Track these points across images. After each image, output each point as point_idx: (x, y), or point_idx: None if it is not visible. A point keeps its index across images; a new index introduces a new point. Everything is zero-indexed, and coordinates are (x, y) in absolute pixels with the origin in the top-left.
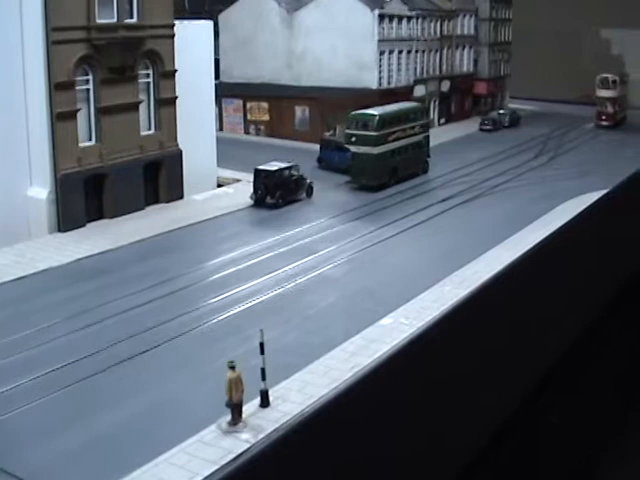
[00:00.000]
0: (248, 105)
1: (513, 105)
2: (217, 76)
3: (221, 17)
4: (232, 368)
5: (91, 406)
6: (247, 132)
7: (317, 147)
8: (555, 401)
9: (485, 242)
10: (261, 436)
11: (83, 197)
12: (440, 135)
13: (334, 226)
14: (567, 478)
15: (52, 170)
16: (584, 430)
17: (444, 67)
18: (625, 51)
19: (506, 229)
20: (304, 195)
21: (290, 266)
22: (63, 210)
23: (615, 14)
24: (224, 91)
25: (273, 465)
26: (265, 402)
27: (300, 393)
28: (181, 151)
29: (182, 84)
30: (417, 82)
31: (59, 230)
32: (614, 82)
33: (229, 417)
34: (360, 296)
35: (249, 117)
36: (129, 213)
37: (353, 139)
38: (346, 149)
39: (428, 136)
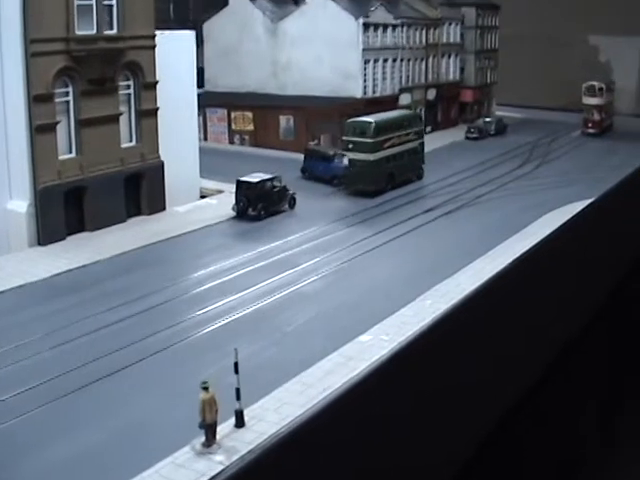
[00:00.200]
0: (233, 115)
1: (500, 112)
2: (202, 85)
3: (205, 26)
4: (205, 389)
5: (61, 428)
6: (232, 142)
7: (302, 157)
8: (543, 410)
9: (468, 253)
10: (235, 457)
11: (63, 210)
12: (426, 143)
13: (316, 238)
14: None
15: (32, 183)
16: (573, 439)
17: (430, 75)
18: (613, 58)
19: (489, 240)
20: (287, 206)
21: (270, 280)
22: (43, 223)
23: (602, 21)
24: (209, 100)
25: None
26: (240, 422)
27: (276, 413)
28: (163, 163)
29: (164, 95)
30: (403, 91)
31: (39, 243)
32: (600, 89)
33: (203, 438)
34: (340, 311)
35: (234, 127)
36: (110, 226)
37: (350, 146)
38: (330, 159)
39: (423, 143)
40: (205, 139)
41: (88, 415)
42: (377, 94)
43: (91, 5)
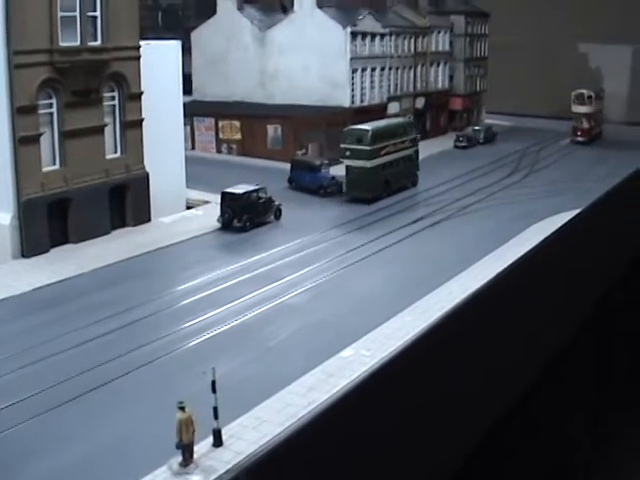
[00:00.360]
0: (220, 124)
1: (490, 120)
2: (190, 94)
3: (193, 35)
4: (182, 409)
5: (36, 448)
6: (219, 151)
7: (290, 166)
8: (535, 416)
9: (451, 268)
10: (212, 478)
11: (47, 222)
12: None
13: (301, 250)
14: None
15: (15, 195)
16: (562, 448)
17: (418, 84)
18: (603, 66)
19: (472, 254)
20: (272, 218)
21: (254, 293)
22: (27, 235)
23: (592, 29)
24: (196, 109)
25: None
26: (218, 441)
27: (255, 431)
28: (148, 174)
29: (149, 105)
30: (391, 99)
31: (23, 256)
32: (589, 97)
33: (180, 458)
34: (322, 326)
35: (221, 136)
36: (95, 237)
37: (348, 153)
38: (317, 169)
39: (417, 150)
40: (193, 148)
41: (67, 433)
42: (365, 103)
43: (75, 16)
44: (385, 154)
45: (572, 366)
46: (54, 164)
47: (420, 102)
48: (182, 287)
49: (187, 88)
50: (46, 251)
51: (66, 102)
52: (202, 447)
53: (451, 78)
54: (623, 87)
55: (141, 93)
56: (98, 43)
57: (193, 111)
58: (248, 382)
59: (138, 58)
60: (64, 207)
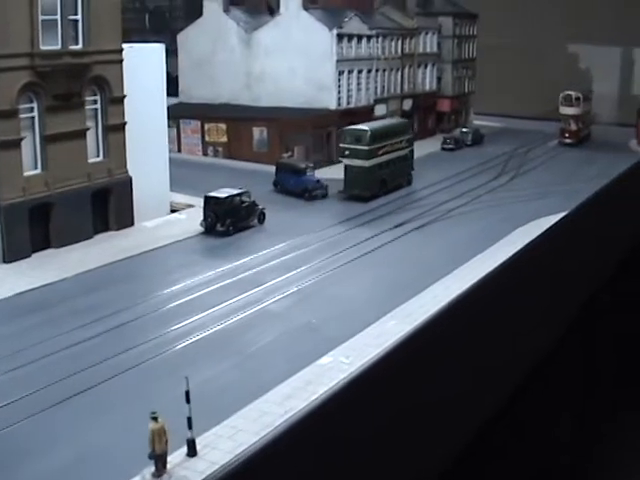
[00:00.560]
0: (206, 126)
1: (478, 122)
2: (176, 96)
3: (179, 36)
4: (154, 419)
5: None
6: (205, 154)
7: (274, 170)
8: (522, 419)
9: (435, 271)
10: None
11: (28, 227)
12: None
13: (284, 254)
14: None
15: None
16: (549, 450)
17: (406, 85)
18: (592, 67)
19: (457, 257)
20: (256, 221)
21: (235, 299)
22: (8, 240)
23: (581, 30)
24: (182, 112)
25: None
26: (192, 451)
27: (230, 440)
28: (131, 178)
29: (133, 109)
30: (378, 101)
31: (4, 261)
32: (577, 99)
33: (153, 468)
34: (303, 332)
35: (207, 138)
36: (77, 242)
37: (346, 152)
38: (302, 172)
39: (412, 150)
40: (179, 151)
41: (38, 444)
42: (352, 105)
43: (56, 20)
44: (382, 154)
45: (559, 368)
46: (35, 168)
47: (407, 104)
48: (163, 292)
49: (174, 90)
50: (28, 256)
51: (47, 106)
52: (176, 457)
53: (439, 80)
54: (613, 88)
55: (124, 97)
56: (79, 47)
57: (179, 113)
58: (226, 390)
59: (120, 61)
60: (46, 212)
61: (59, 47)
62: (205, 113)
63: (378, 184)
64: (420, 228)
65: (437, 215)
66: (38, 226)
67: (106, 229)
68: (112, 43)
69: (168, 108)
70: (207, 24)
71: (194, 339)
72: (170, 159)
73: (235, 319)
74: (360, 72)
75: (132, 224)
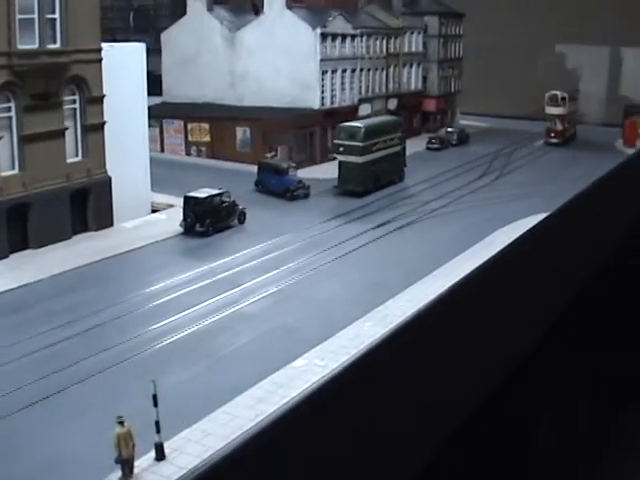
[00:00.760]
0: (189, 126)
1: (465, 121)
2: (161, 95)
3: (163, 35)
4: (121, 423)
5: None
6: (188, 153)
7: (257, 169)
8: (509, 413)
9: (415, 272)
10: None
11: (6, 227)
12: None
13: (263, 255)
14: None
15: None
16: (530, 449)
17: (391, 85)
18: (579, 67)
19: (437, 258)
20: (236, 222)
21: (211, 300)
22: None
23: (568, 30)
24: (165, 111)
25: None
26: (160, 455)
27: (199, 444)
28: (110, 178)
29: (112, 108)
30: (362, 101)
31: None
32: (563, 99)
33: (120, 473)
34: (278, 334)
35: (190, 138)
36: (55, 243)
37: (341, 149)
38: (284, 172)
39: (405, 147)
40: (162, 150)
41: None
42: (335, 105)
43: (33, 19)
44: (376, 150)
45: (542, 368)
46: (13, 169)
47: (392, 103)
48: (140, 294)
49: (159, 90)
50: (5, 257)
51: (25, 106)
52: (144, 461)
53: (425, 79)
54: (600, 88)
55: (103, 96)
56: (57, 46)
57: (162, 113)
58: (197, 393)
59: (99, 61)
60: (24, 212)
61: (36, 46)
62: (188, 113)
63: (372, 180)
64: (402, 228)
65: (419, 215)
66: (16, 227)
67: (85, 230)
68: (91, 42)
69: (150, 107)
70: (191, 23)
71: (168, 341)
72: (153, 159)
73: (210, 321)
74: (344, 71)
75: (111, 224)
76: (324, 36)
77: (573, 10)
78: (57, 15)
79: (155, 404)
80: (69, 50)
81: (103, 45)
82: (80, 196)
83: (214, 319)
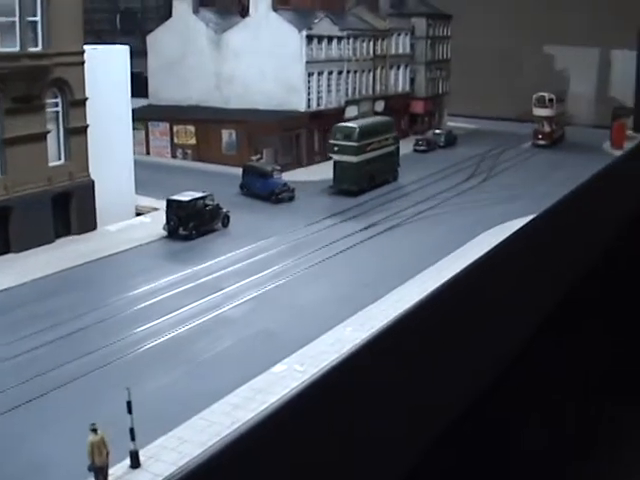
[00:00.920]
0: (175, 128)
1: (453, 123)
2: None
3: (149, 38)
4: (94, 431)
5: None
6: (174, 156)
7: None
8: (489, 417)
9: (398, 275)
10: None
11: None
12: None
13: (246, 258)
14: None
15: None
16: (517, 452)
17: (378, 87)
18: (568, 68)
19: (421, 261)
20: (220, 225)
21: (193, 305)
22: None
23: (556, 31)
24: (151, 114)
25: None
26: (135, 463)
27: (175, 452)
28: (93, 181)
29: (96, 111)
30: (349, 103)
31: None
32: (551, 101)
33: None
34: (258, 339)
35: (176, 141)
36: (38, 246)
37: (336, 149)
38: (268, 175)
39: (398, 147)
40: (147, 153)
41: None
42: (322, 107)
43: (14, 22)
44: (370, 150)
45: (529, 369)
46: None
47: (379, 105)
48: (121, 298)
49: (147, 91)
50: None
51: (6, 109)
52: (119, 469)
53: (412, 81)
54: (589, 90)
55: (85, 99)
56: (39, 49)
57: (148, 115)
58: (175, 399)
59: (82, 63)
60: (5, 216)
61: (17, 49)
62: (174, 115)
63: (366, 179)
64: (387, 231)
65: (403, 218)
66: None
67: (68, 233)
68: (73, 45)
69: (136, 110)
70: (176, 25)
71: (148, 346)
72: (138, 162)
73: (191, 325)
74: (330, 73)
75: (95, 228)
76: (310, 38)
77: (561, 11)
78: (39, 18)
79: (129, 411)
80: (51, 53)
81: (86, 48)
82: (63, 199)
83: (195, 323)
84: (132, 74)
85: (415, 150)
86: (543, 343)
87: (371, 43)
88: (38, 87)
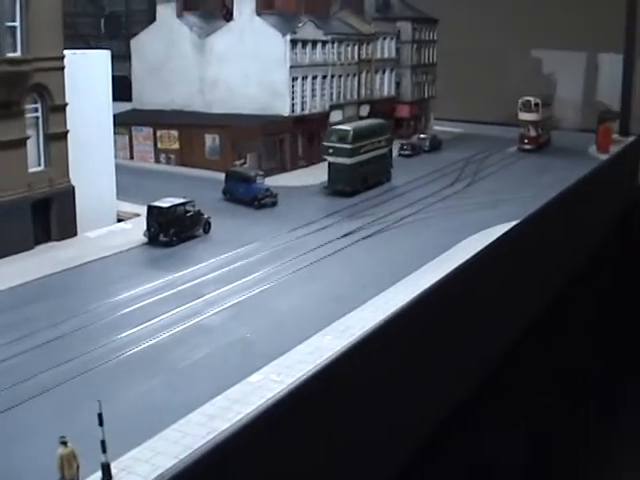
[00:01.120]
0: (158, 133)
1: (439, 127)
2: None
3: (133, 42)
4: (64, 443)
5: None
6: (158, 161)
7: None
8: (476, 419)
9: (378, 283)
10: None
11: None
12: None
13: (227, 265)
14: None
15: None
16: (505, 452)
17: (363, 91)
18: (556, 72)
19: (402, 268)
20: (201, 231)
21: (170, 313)
22: None
23: (542, 36)
24: (135, 119)
25: None
26: (107, 476)
27: (148, 464)
28: (73, 187)
29: (76, 117)
30: (333, 107)
31: None
32: (536, 105)
33: None
34: (236, 348)
35: (159, 145)
36: (17, 253)
37: (331, 151)
38: (251, 181)
39: (391, 149)
40: (131, 158)
41: None
42: (306, 112)
43: None
44: (364, 152)
45: (516, 370)
46: None
47: (364, 110)
48: (100, 305)
49: (130, 96)
50: None
51: None
52: None
53: (398, 85)
54: (576, 94)
55: (65, 105)
56: (18, 54)
57: (132, 120)
58: (150, 409)
59: (62, 69)
60: None
61: None
62: (157, 120)
63: (360, 180)
64: (367, 238)
65: (384, 225)
66: None
67: (48, 240)
68: (53, 50)
69: (120, 115)
70: (160, 29)
71: (125, 355)
72: (122, 167)
73: (169, 333)
74: (315, 78)
75: (75, 234)
76: (294, 42)
77: (549, 15)
78: (18, 23)
79: (100, 423)
80: (30, 58)
81: (66, 52)
82: (42, 206)
83: (173, 331)
84: (117, 78)
85: (400, 154)
86: (530, 345)
87: (356, 47)
88: (17, 93)
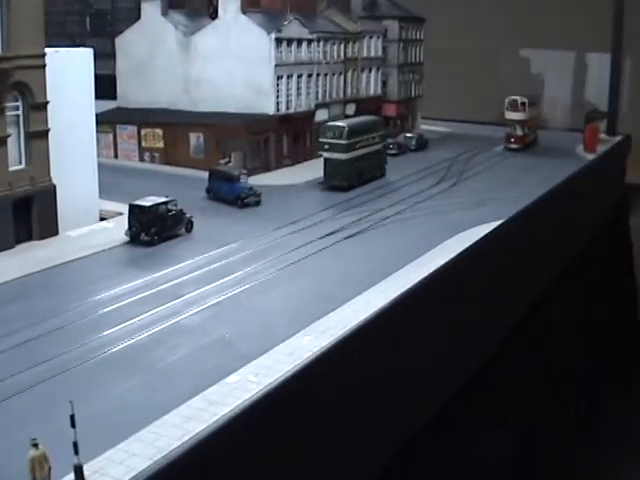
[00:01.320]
0: (143, 131)
1: (426, 126)
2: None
3: (117, 40)
4: (35, 446)
5: None
6: (142, 159)
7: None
8: (461, 421)
9: (361, 283)
10: None
11: None
12: None
13: (208, 264)
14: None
15: None
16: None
17: (349, 90)
18: (544, 72)
19: (385, 268)
20: (183, 230)
21: (150, 312)
22: None
23: (530, 35)
24: (119, 117)
25: None
26: (79, 478)
27: (122, 466)
28: (54, 186)
29: (58, 115)
30: (319, 106)
31: None
32: (523, 104)
33: None
34: (215, 348)
35: (144, 144)
36: None
37: (326, 146)
38: (235, 180)
39: (385, 145)
40: (115, 156)
41: None
42: (291, 110)
43: None
44: (359, 148)
45: (503, 369)
46: None
47: (351, 108)
48: (80, 305)
49: (115, 94)
50: None
51: None
52: None
53: (384, 84)
54: (564, 93)
55: (47, 102)
56: None
57: (116, 118)
58: (126, 410)
59: (43, 66)
60: None
61: None
62: (142, 118)
63: (355, 175)
64: (349, 238)
65: (367, 225)
66: None
67: (29, 239)
68: (34, 48)
69: (104, 113)
70: (145, 27)
71: (102, 355)
72: (106, 165)
73: (148, 333)
74: (300, 77)
75: (57, 233)
76: (279, 41)
77: (537, 14)
78: None
79: (73, 425)
80: (11, 56)
81: (48, 50)
82: (23, 205)
83: (152, 331)
84: (102, 76)
85: (386, 154)
86: (519, 343)
87: (342, 46)
88: None
